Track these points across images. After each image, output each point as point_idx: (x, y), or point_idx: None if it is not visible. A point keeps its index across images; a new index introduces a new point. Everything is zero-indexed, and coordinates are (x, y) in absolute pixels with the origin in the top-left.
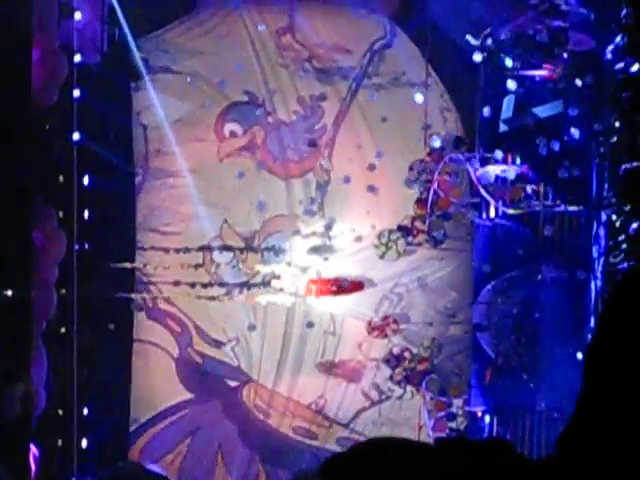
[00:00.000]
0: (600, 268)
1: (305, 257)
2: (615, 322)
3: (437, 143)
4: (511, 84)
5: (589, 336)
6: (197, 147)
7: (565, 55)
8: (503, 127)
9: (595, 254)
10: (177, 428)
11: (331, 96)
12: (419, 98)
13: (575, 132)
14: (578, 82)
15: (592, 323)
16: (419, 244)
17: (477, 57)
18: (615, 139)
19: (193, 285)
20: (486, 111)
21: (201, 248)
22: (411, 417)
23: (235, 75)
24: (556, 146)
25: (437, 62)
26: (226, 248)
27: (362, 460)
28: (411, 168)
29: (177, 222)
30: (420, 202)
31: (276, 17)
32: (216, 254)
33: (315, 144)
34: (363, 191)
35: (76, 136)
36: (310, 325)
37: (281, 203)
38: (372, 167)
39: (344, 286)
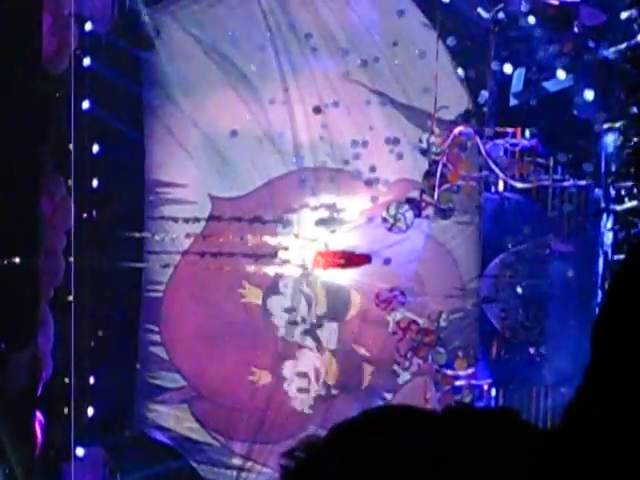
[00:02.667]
0: (608, 242)
1: (313, 229)
2: (624, 291)
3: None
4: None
5: (597, 310)
6: (207, 116)
7: (576, 29)
8: (513, 100)
9: (603, 228)
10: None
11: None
12: None
13: (584, 106)
14: (588, 56)
15: (600, 297)
16: (427, 217)
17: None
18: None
19: (202, 255)
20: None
21: (210, 218)
22: (417, 389)
23: (246, 46)
24: (565, 120)
25: (447, 34)
26: (235, 219)
27: (369, 426)
28: (420, 141)
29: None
30: (429, 175)
31: None
32: (226, 224)
33: (320, 110)
34: (369, 165)
35: (86, 104)
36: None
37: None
38: (381, 140)
39: (351, 258)
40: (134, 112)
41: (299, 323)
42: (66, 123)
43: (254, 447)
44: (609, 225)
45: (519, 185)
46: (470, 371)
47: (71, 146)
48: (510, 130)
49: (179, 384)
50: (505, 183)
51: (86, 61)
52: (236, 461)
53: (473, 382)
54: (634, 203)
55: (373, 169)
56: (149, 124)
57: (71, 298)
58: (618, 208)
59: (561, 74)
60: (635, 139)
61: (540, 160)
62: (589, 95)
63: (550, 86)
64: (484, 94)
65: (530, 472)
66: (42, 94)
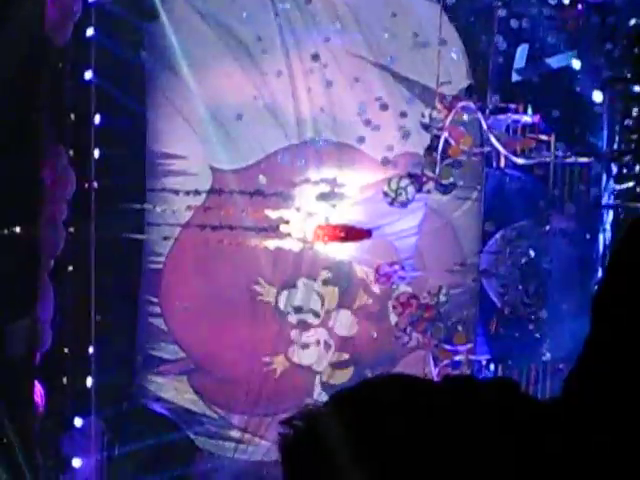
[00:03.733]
0: (609, 220)
1: (314, 204)
2: (623, 263)
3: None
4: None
5: (596, 287)
6: (210, 88)
7: (579, 6)
8: (515, 76)
9: (604, 205)
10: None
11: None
12: None
13: (587, 83)
14: (591, 33)
15: (600, 275)
16: (428, 192)
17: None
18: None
19: (203, 227)
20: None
21: (211, 191)
22: (417, 363)
23: (250, 19)
24: (568, 97)
25: (450, 9)
26: (237, 192)
27: (368, 393)
28: (422, 115)
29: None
30: (430, 150)
31: None
32: (228, 197)
33: (323, 85)
34: (371, 139)
35: (88, 75)
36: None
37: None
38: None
39: (352, 233)
40: (137, 83)
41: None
42: (68, 94)
43: (252, 420)
44: (610, 202)
45: (520, 161)
46: (469, 346)
47: (73, 117)
48: (512, 106)
49: (178, 356)
50: (506, 159)
51: (89, 32)
52: (234, 433)
53: (472, 357)
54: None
55: (375, 142)
56: (151, 95)
57: (71, 268)
58: (619, 186)
59: (564, 50)
60: (636, 114)
61: (542, 137)
62: (591, 71)
63: (553, 62)
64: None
65: (531, 441)
66: (45, 64)
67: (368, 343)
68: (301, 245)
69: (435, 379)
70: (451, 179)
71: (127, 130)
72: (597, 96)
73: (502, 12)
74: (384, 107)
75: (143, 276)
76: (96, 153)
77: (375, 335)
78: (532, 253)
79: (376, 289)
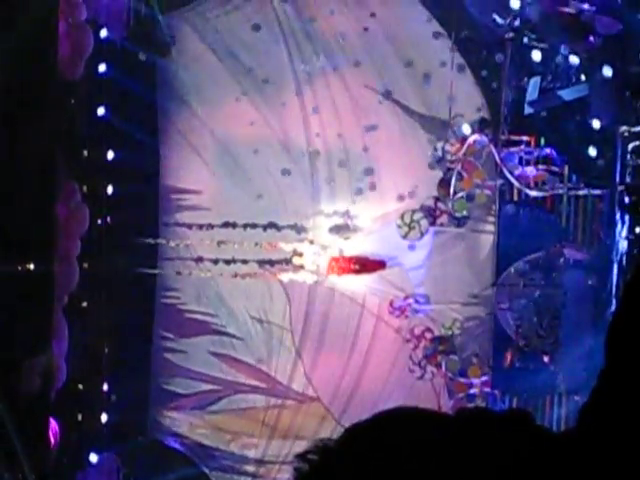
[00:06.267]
0: (622, 251)
1: (327, 236)
2: (638, 296)
3: (465, 128)
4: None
5: (611, 319)
6: (222, 122)
7: (591, 38)
8: (528, 109)
9: (617, 237)
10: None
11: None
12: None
13: (599, 115)
14: (605, 68)
15: (614, 306)
16: (442, 225)
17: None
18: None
19: (216, 262)
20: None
21: (225, 225)
22: (431, 397)
23: (261, 52)
24: (580, 129)
25: (463, 42)
26: (250, 225)
27: (382, 427)
28: (435, 149)
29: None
30: (443, 183)
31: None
32: (239, 231)
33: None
34: (383, 172)
35: (101, 111)
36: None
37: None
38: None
39: (366, 264)
40: (149, 118)
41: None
42: (81, 129)
43: (268, 453)
44: (624, 233)
45: (534, 193)
46: (484, 379)
47: (85, 152)
48: (525, 138)
49: (192, 390)
50: (520, 191)
51: (101, 67)
52: (250, 467)
53: (486, 390)
54: None
55: (387, 175)
56: (164, 130)
57: (85, 304)
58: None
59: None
60: None
61: (555, 169)
62: (604, 104)
63: (565, 95)
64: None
65: (545, 475)
66: (58, 100)
67: (382, 375)
68: (315, 278)
69: (450, 412)
70: (464, 212)
71: (140, 165)
72: (609, 127)
73: (514, 45)
74: (396, 139)
75: (157, 311)
76: (109, 189)
77: (389, 368)
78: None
79: (390, 322)
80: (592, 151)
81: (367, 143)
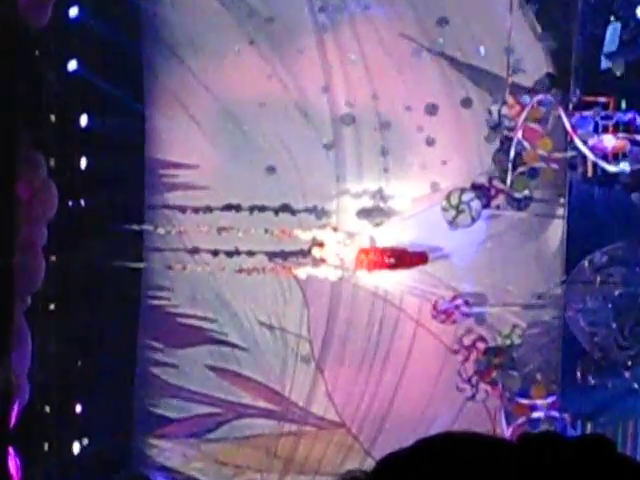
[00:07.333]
0: None
1: (355, 221)
2: None
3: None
4: None
5: None
6: (223, 79)
7: None
8: (606, 63)
9: None
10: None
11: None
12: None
13: None
14: None
15: None
16: (498, 207)
17: None
18: None
19: (216, 253)
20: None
21: (227, 207)
22: (484, 422)
23: None
24: None
25: None
26: (258, 208)
27: (425, 457)
28: (489, 112)
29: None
30: (499, 155)
31: None
32: (245, 215)
33: (364, 71)
34: (425, 141)
35: (72, 65)
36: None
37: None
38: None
39: (403, 257)
40: (132, 75)
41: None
42: (47, 88)
43: None
44: None
45: (612, 168)
46: (550, 400)
47: (53, 117)
48: (601, 100)
49: (187, 413)
50: (595, 165)
51: (72, 12)
52: None
53: (554, 413)
54: None
55: (430, 144)
56: (151, 90)
57: (53, 307)
58: None
59: None
60: None
61: (638, 137)
62: None
63: None
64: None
65: None
66: (19, 53)
67: (423, 395)
68: (339, 273)
69: (509, 439)
70: (526, 191)
71: (121, 133)
72: None
73: None
74: (441, 101)
75: (142, 315)
76: (83, 162)
77: (432, 386)
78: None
79: (433, 329)
80: None
81: (405, 106)
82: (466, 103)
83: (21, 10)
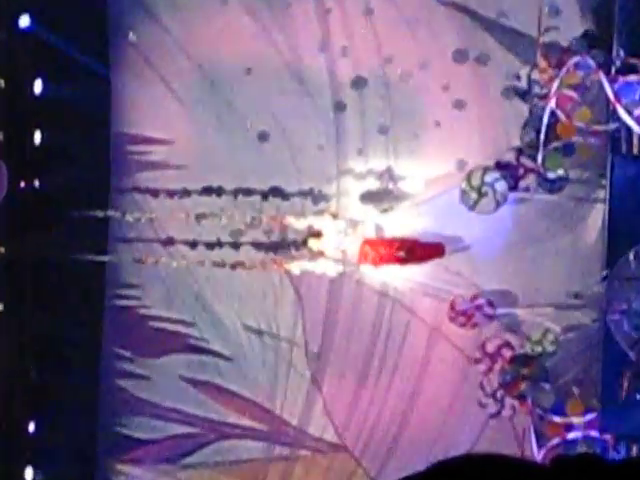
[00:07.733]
0: None
1: (358, 206)
2: None
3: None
4: None
5: None
6: (204, 41)
7: None
8: None
9: None
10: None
11: None
12: None
13: None
14: None
15: None
16: (527, 189)
17: None
18: None
19: (194, 245)
20: None
21: (207, 190)
22: (511, 444)
23: None
24: None
25: None
26: (243, 191)
27: None
28: (517, 77)
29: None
30: (529, 127)
31: None
32: (228, 200)
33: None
34: (442, 111)
35: (25, 21)
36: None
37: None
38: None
39: (415, 250)
40: (95, 33)
41: None
42: None
43: None
44: None
45: None
46: (589, 418)
47: (2, 82)
48: None
49: (161, 433)
50: None
51: None
52: None
53: (593, 433)
54: None
55: (447, 119)
56: (118, 51)
57: (1, 307)
58: None
59: None
60: None
61: None
62: None
63: None
64: None
65: None
66: None
67: (439, 412)
68: (340, 268)
69: (542, 461)
70: (560, 171)
71: (82, 102)
72: None
73: None
74: (459, 63)
75: (107, 317)
76: (37, 137)
77: (449, 401)
78: None
79: (451, 334)
80: None
81: (418, 69)
82: (490, 65)
83: None
